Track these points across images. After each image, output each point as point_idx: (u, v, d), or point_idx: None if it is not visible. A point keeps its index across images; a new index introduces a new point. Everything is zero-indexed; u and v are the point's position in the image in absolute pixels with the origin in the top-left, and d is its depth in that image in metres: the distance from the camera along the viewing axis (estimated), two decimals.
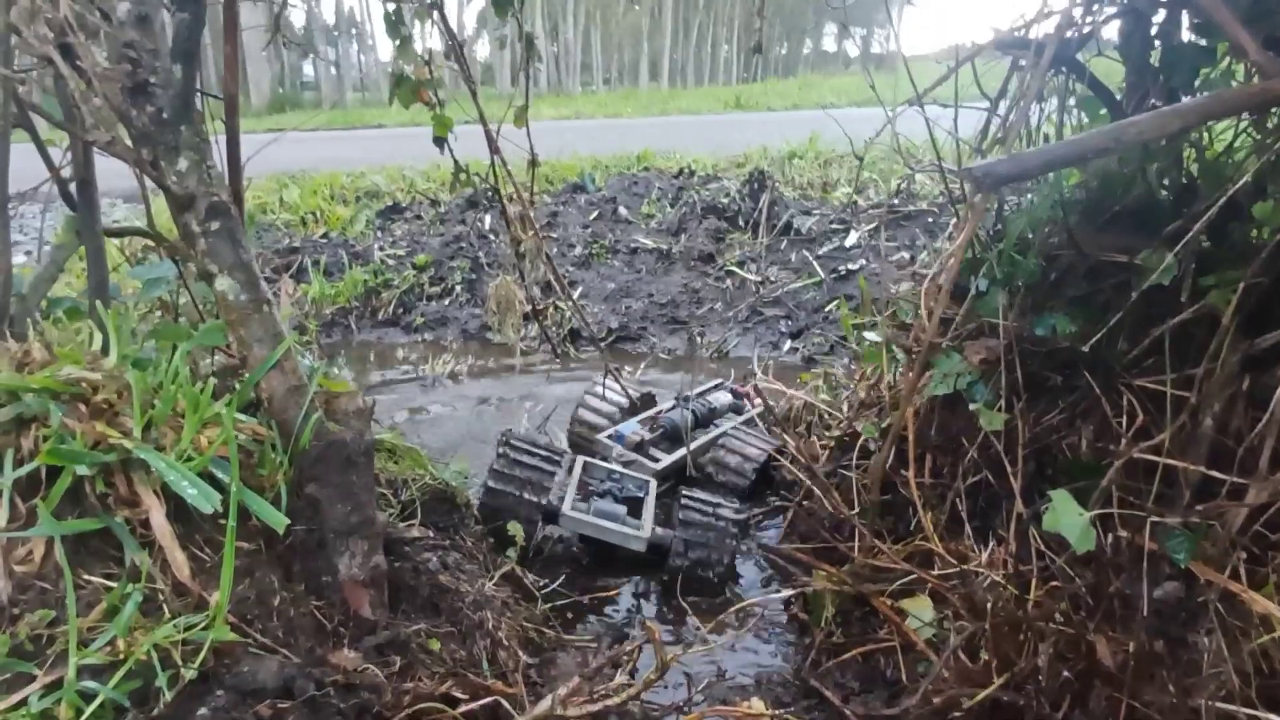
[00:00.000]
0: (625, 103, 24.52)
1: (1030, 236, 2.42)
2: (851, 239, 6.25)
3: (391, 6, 2.48)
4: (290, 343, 1.85)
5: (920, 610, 2.26)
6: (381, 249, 6.64)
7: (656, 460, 3.46)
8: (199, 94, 1.93)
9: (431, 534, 2.26)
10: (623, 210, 7.16)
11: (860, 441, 2.79)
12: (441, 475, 2.57)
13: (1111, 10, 2.41)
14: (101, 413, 1.73)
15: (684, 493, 3.01)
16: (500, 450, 3.01)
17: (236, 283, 1.82)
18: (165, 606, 1.52)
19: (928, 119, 2.74)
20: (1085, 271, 2.50)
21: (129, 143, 1.77)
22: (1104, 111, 2.42)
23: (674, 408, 3.72)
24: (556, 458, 3.09)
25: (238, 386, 2.00)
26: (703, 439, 3.63)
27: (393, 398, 4.76)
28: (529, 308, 3.48)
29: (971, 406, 2.46)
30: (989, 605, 1.92)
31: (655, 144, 9.41)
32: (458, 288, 6.23)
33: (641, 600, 2.88)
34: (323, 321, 5.83)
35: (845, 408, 3.27)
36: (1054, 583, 1.96)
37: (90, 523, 1.55)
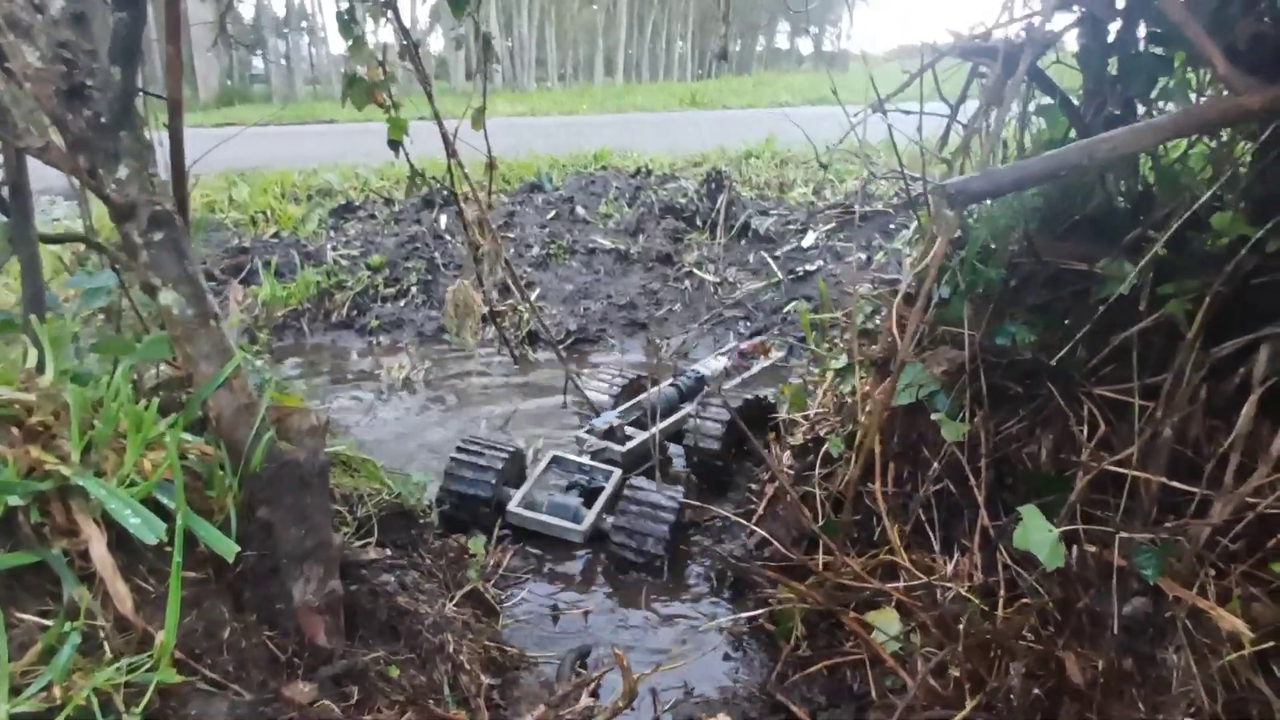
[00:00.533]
0: (580, 99, 24.37)
1: (992, 245, 2.41)
2: (809, 240, 6.26)
3: (344, 5, 2.39)
4: (240, 359, 1.76)
5: (886, 623, 2.24)
6: (334, 249, 6.49)
7: (624, 443, 3.55)
8: (140, 95, 1.84)
9: (389, 553, 2.19)
10: (580, 210, 7.09)
11: (823, 450, 2.77)
12: (399, 488, 2.50)
13: (1072, 18, 2.41)
14: (36, 436, 1.64)
15: (630, 482, 3.10)
16: (456, 450, 3.22)
17: (182, 296, 1.73)
18: (107, 645, 1.44)
19: (890, 125, 2.71)
20: (1044, 280, 2.50)
21: (64, 149, 1.68)
22: (1063, 119, 2.42)
23: (659, 389, 3.87)
24: (507, 454, 3.23)
25: (184, 400, 1.91)
26: (670, 419, 3.73)
27: (347, 403, 4.65)
28: (487, 311, 3.41)
29: (934, 416, 2.45)
30: (959, 624, 1.90)
31: (612, 142, 9.35)
32: (413, 289, 6.11)
33: (605, 602, 2.83)
34: (274, 325, 5.67)
35: (805, 413, 3.25)
36: (1022, 598, 1.96)
37: (24, 556, 1.46)
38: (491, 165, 2.99)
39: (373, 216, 7.20)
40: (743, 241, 6.41)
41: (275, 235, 6.87)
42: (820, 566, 2.55)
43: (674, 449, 3.91)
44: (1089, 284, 2.32)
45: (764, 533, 2.86)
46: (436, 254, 6.47)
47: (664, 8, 47.05)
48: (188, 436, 1.77)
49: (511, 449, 3.28)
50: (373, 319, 5.83)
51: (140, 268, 1.72)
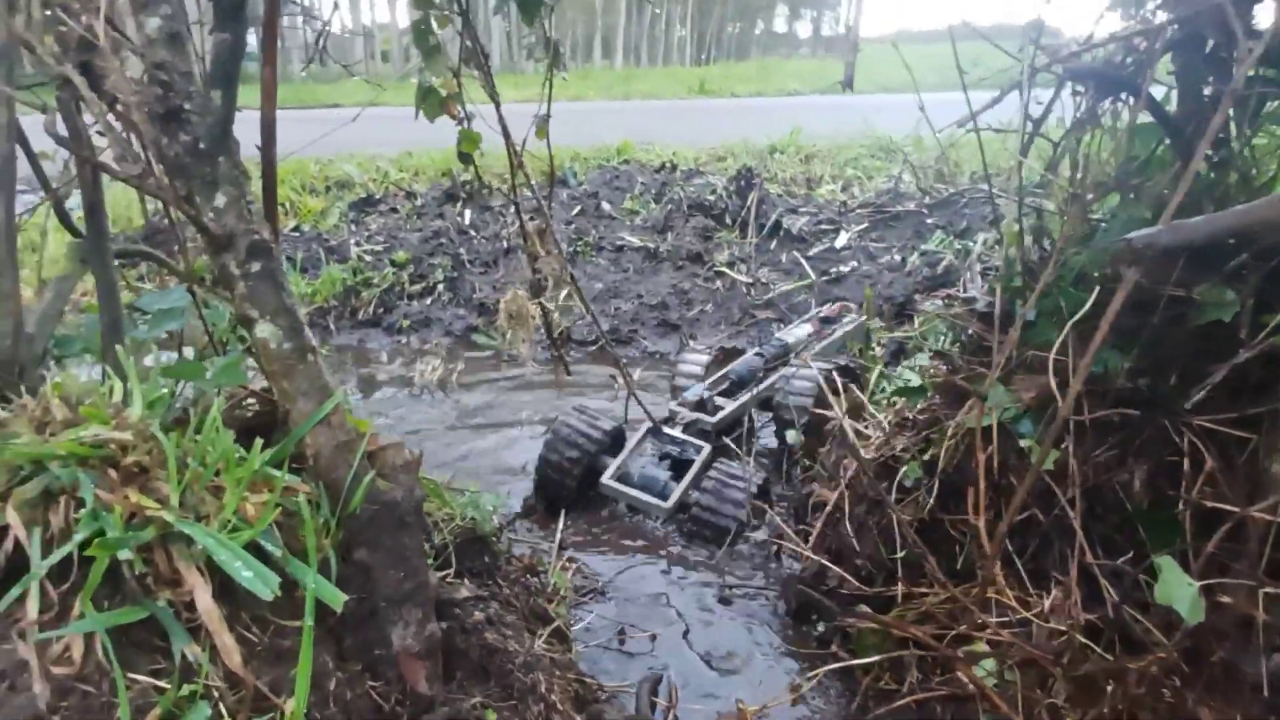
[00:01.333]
0: (585, 84, 24.14)
1: (1087, 269, 2.33)
2: (842, 240, 6.18)
3: (418, 14, 2.30)
4: (340, 397, 1.69)
5: (980, 657, 2.18)
6: (358, 244, 6.40)
7: (715, 414, 3.69)
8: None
9: (476, 588, 2.13)
10: (605, 206, 7.00)
11: (899, 475, 2.70)
12: (470, 511, 2.43)
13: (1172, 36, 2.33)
14: (133, 478, 1.57)
15: (716, 464, 3.26)
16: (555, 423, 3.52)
17: (279, 329, 1.65)
18: (221, 704, 1.37)
19: (980, 137, 2.61)
20: (1133, 305, 2.43)
21: (161, 176, 1.60)
22: (1166, 142, 2.34)
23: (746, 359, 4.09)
24: (604, 428, 3.44)
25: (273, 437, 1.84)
26: (759, 387, 3.84)
27: (380, 408, 4.57)
28: (540, 319, 3.33)
29: (1023, 443, 2.39)
30: (1063, 663, 1.84)
31: (624, 130, 9.21)
32: (439, 286, 6.03)
33: (669, 622, 2.77)
34: None
35: (876, 429, 3.18)
36: (1132, 639, 1.90)
37: (134, 611, 1.39)
38: (553, 176, 2.91)
39: (394, 210, 7.10)
40: (774, 241, 6.33)
41: (296, 229, 6.78)
42: (900, 596, 2.49)
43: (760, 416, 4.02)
44: (1185, 310, 2.26)
45: (824, 561, 2.80)
46: (462, 250, 6.38)
47: None
48: (286, 476, 1.70)
49: (612, 423, 3.49)
50: (401, 317, 5.75)
51: (237, 300, 1.64)
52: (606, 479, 3.29)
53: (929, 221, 6.27)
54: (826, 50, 51.25)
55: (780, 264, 6.12)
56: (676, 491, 3.22)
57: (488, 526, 2.38)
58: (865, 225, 6.29)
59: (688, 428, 3.63)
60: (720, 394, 3.83)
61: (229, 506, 1.56)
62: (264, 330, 1.65)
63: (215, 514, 1.56)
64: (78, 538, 1.39)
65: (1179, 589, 1.56)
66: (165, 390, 2.02)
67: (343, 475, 1.70)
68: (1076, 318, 1.89)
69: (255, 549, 1.57)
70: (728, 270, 6.06)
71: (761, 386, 3.85)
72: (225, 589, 1.53)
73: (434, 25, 2.31)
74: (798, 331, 4.36)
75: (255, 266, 1.63)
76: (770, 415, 3.87)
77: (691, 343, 4.61)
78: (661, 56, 48.41)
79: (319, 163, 8.19)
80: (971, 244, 5.60)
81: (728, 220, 6.62)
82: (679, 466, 3.38)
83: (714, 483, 3.18)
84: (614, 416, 3.59)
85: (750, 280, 5.92)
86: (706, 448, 3.41)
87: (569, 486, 3.36)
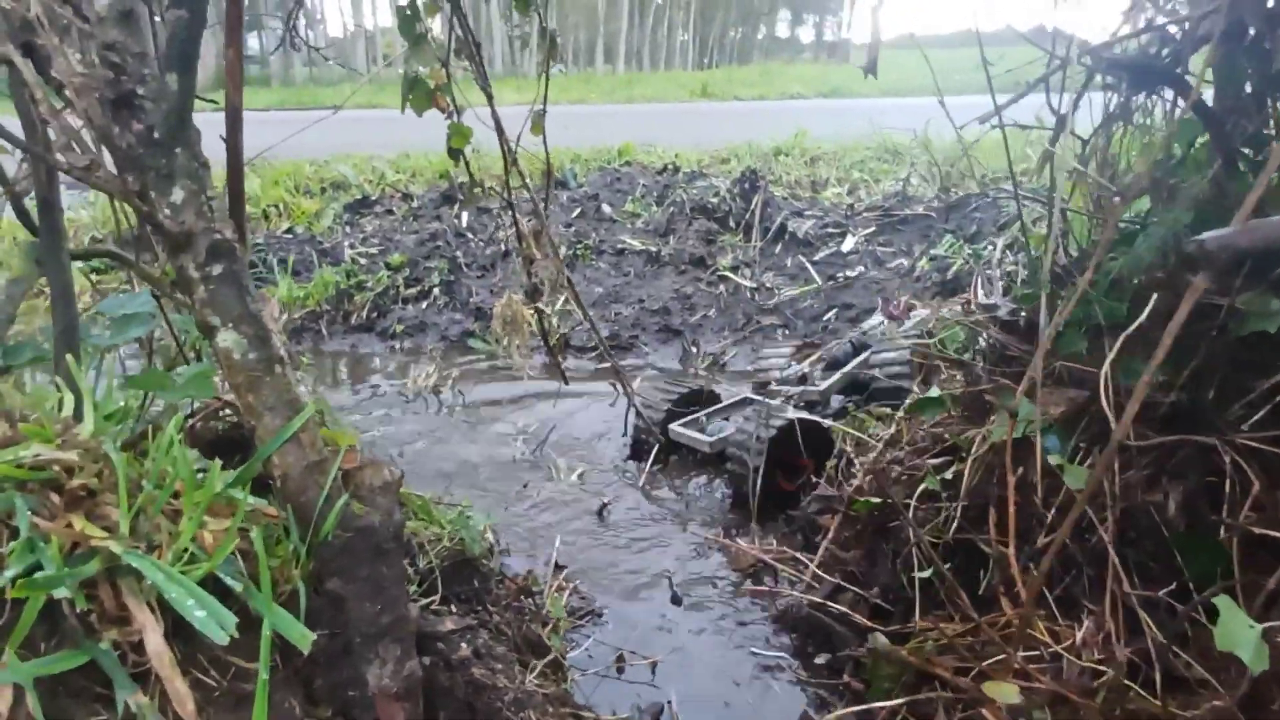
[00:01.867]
0: (588, 87, 24.03)
1: (1124, 277, 2.18)
2: (849, 244, 6.02)
3: (404, 1, 2.16)
4: (311, 411, 1.54)
5: (1005, 694, 2.02)
6: (352, 247, 6.26)
7: (817, 385, 4.10)
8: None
9: (460, 615, 1.97)
10: (606, 208, 6.85)
11: (920, 489, 2.54)
12: (459, 531, 2.27)
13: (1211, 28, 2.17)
14: (79, 502, 1.41)
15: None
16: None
17: (243, 338, 1.50)
18: None
19: (1004, 132, 2.47)
20: (1166, 313, 2.28)
21: (111, 168, 1.45)
22: (1204, 138, 2.19)
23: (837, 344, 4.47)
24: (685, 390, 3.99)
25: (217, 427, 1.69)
26: (851, 364, 4.21)
27: (372, 415, 4.42)
28: (534, 325, 3.18)
29: (1051, 460, 2.23)
30: (1096, 701, 1.69)
31: (626, 134, 9.06)
32: (435, 290, 5.87)
33: (670, 647, 2.61)
34: (291, 328, 5.44)
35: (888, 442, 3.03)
36: (1178, 678, 1.74)
37: (70, 658, 1.23)
38: (549, 173, 2.76)
39: (390, 212, 6.95)
40: (778, 245, 6.18)
41: (289, 231, 6.64)
42: (917, 621, 2.34)
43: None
44: (1226, 319, 2.11)
45: (838, 582, 2.65)
46: (459, 253, 6.23)
47: None
48: (249, 499, 1.55)
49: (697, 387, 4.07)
50: (394, 322, 5.60)
51: (197, 305, 1.49)
52: (674, 426, 3.76)
53: (938, 225, 6.12)
54: (829, 55, 51.19)
55: (785, 268, 5.97)
56: (723, 430, 3.67)
57: (477, 548, 2.22)
58: (872, 229, 6.15)
59: (790, 399, 4.00)
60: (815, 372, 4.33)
61: (185, 535, 1.41)
62: (226, 339, 1.50)
63: (169, 543, 1.41)
64: (8, 573, 1.24)
65: (1241, 632, 1.40)
66: (125, 404, 1.87)
67: (314, 498, 1.54)
68: (1131, 329, 1.72)
69: (214, 582, 1.42)
70: (731, 274, 5.91)
71: (852, 364, 4.23)
72: (180, 627, 1.38)
73: (421, 12, 2.17)
74: (872, 322, 4.83)
75: (217, 269, 1.48)
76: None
77: (768, 343, 5.05)
78: (664, 61, 48.33)
79: (314, 164, 8.05)
80: (983, 249, 5.45)
81: (731, 223, 6.47)
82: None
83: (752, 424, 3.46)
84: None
85: (755, 285, 5.77)
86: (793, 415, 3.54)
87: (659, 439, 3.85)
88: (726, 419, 3.84)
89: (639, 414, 3.75)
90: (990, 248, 5.33)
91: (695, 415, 3.84)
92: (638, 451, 3.92)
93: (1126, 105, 2.27)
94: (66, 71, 1.38)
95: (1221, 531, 2.02)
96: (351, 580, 1.55)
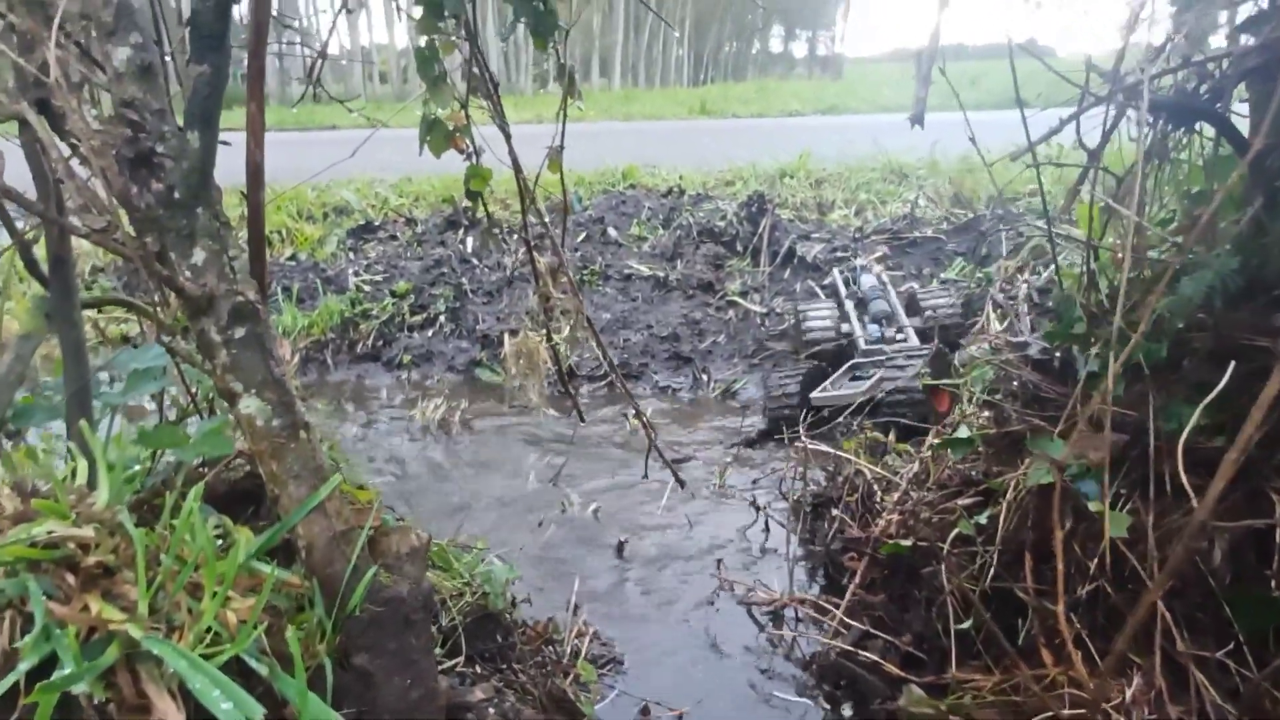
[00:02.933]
0: (584, 104, 24.01)
1: (1168, 318, 2.12)
2: (867, 281, 5.96)
3: (423, 40, 2.11)
4: (337, 481, 1.47)
5: None
6: (356, 274, 6.19)
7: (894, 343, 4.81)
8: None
9: (482, 669, 1.90)
10: (612, 232, 6.80)
11: (954, 532, 2.47)
12: (483, 584, 2.20)
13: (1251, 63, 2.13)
14: (95, 581, 1.34)
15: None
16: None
17: (267, 404, 1.44)
18: None
19: (1038, 171, 2.41)
20: (1207, 355, 2.22)
21: (129, 229, 1.39)
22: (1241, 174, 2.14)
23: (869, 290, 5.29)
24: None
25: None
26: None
27: (380, 450, 4.35)
28: (551, 361, 3.12)
29: (1092, 507, 2.17)
30: None
31: (626, 152, 9.02)
32: (441, 318, 5.81)
33: (695, 697, 2.53)
34: (297, 357, 5.37)
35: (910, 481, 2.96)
36: None
37: None
38: (565, 210, 2.71)
39: (394, 238, 6.90)
40: (787, 270, 6.13)
41: (293, 258, 6.58)
42: (953, 672, 2.27)
43: None
44: (1268, 361, 2.05)
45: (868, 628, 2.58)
46: (464, 279, 6.17)
47: (660, 7, 46.93)
48: (276, 571, 1.48)
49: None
50: (401, 351, 5.53)
51: (218, 370, 1.43)
52: (815, 395, 4.31)
53: (948, 248, 6.07)
54: (822, 70, 51.48)
55: (795, 293, 5.91)
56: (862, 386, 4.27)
57: (500, 602, 2.15)
58: (881, 252, 6.09)
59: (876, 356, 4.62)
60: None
61: (208, 614, 1.34)
62: (249, 405, 1.43)
63: (191, 624, 1.34)
64: (22, 667, 1.17)
65: None
66: (139, 468, 1.81)
67: (340, 570, 1.47)
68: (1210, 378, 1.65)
69: (238, 662, 1.35)
70: (740, 300, 5.85)
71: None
72: (203, 711, 1.31)
73: (439, 52, 2.11)
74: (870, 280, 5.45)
75: (239, 332, 1.42)
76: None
77: (804, 304, 5.40)
78: (659, 76, 48.52)
79: (316, 189, 7.99)
80: (993, 273, 5.40)
81: (739, 247, 6.42)
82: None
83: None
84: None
85: (764, 310, 5.71)
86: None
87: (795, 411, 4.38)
88: (854, 379, 4.42)
89: (656, 449, 3.67)
90: (1003, 270, 5.28)
91: (828, 381, 4.44)
92: (773, 429, 4.44)
93: (1163, 142, 2.22)
94: (83, 129, 1.33)
95: (1273, 584, 1.96)
96: (380, 654, 1.48)
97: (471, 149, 2.22)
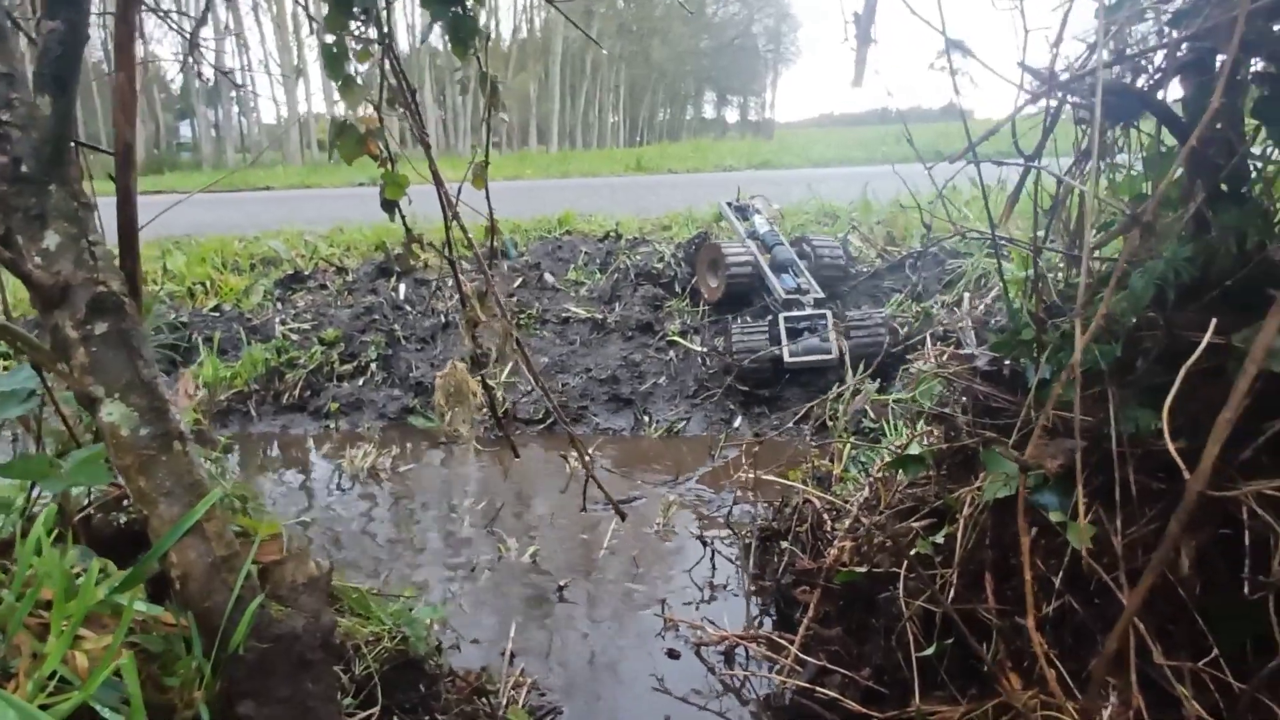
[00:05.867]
0: (522, 164, 24.09)
1: (1119, 317, 2.04)
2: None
3: (331, 39, 1.97)
4: (216, 496, 1.28)
5: None
6: (283, 323, 5.94)
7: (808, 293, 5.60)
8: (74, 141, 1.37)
9: None
10: (549, 277, 6.67)
11: (911, 554, 2.34)
12: (403, 627, 1.99)
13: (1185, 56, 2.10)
14: None
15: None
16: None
17: (134, 410, 1.25)
18: None
19: (980, 175, 2.34)
20: (1159, 355, 2.15)
21: None
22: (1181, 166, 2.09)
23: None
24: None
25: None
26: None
27: (305, 500, 4.08)
28: (480, 395, 2.93)
29: (1053, 518, 2.06)
30: None
31: (565, 205, 8.95)
32: (372, 366, 5.58)
33: None
34: (217, 410, 5.08)
35: (860, 507, 2.83)
36: None
37: None
38: (493, 229, 2.57)
39: (324, 287, 6.66)
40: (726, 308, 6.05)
41: (216, 309, 6.31)
42: (917, 704, 2.11)
43: None
44: (1221, 360, 1.98)
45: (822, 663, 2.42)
46: (396, 326, 5.96)
47: (595, 78, 47.94)
48: (140, 605, 1.27)
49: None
50: (329, 400, 5.28)
51: (76, 371, 1.23)
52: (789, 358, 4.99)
53: (884, 285, 6.07)
54: (754, 134, 53.09)
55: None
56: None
57: (423, 647, 1.94)
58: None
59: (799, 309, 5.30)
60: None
61: (53, 657, 1.13)
62: (113, 412, 1.24)
63: (32, 669, 1.13)
64: None
65: None
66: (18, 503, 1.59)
67: (221, 603, 1.27)
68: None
69: (90, 714, 1.14)
70: (680, 339, 5.74)
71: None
72: None
73: (350, 51, 1.97)
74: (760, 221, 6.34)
75: (100, 328, 1.23)
76: None
77: (722, 242, 6.09)
78: (595, 140, 49.33)
79: (244, 240, 7.74)
80: (931, 308, 5.40)
81: (677, 288, 6.34)
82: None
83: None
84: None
85: (705, 350, 5.60)
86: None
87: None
88: (807, 337, 5.04)
89: (602, 490, 3.50)
90: (942, 305, 5.28)
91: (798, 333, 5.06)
92: (740, 392, 5.14)
93: (1103, 139, 2.17)
94: None
95: (1245, 589, 1.85)
96: (268, 701, 1.28)
97: (386, 154, 2.07)
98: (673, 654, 2.76)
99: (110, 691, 1.14)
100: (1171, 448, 1.51)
